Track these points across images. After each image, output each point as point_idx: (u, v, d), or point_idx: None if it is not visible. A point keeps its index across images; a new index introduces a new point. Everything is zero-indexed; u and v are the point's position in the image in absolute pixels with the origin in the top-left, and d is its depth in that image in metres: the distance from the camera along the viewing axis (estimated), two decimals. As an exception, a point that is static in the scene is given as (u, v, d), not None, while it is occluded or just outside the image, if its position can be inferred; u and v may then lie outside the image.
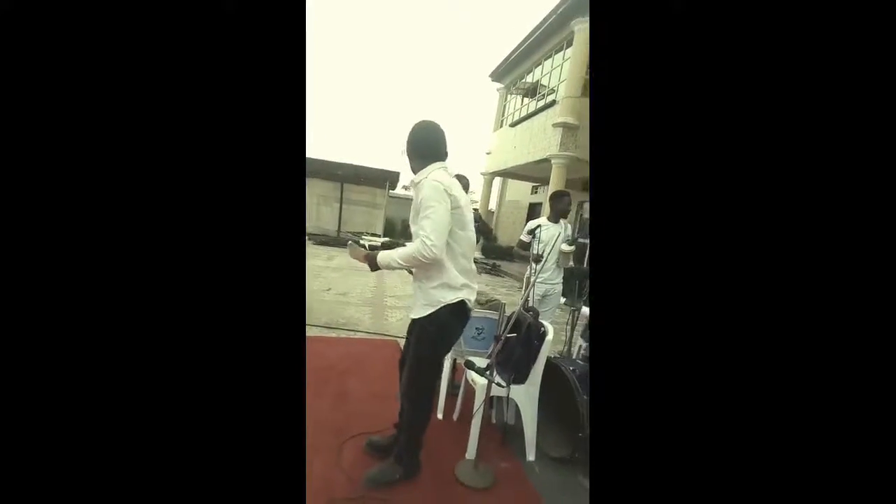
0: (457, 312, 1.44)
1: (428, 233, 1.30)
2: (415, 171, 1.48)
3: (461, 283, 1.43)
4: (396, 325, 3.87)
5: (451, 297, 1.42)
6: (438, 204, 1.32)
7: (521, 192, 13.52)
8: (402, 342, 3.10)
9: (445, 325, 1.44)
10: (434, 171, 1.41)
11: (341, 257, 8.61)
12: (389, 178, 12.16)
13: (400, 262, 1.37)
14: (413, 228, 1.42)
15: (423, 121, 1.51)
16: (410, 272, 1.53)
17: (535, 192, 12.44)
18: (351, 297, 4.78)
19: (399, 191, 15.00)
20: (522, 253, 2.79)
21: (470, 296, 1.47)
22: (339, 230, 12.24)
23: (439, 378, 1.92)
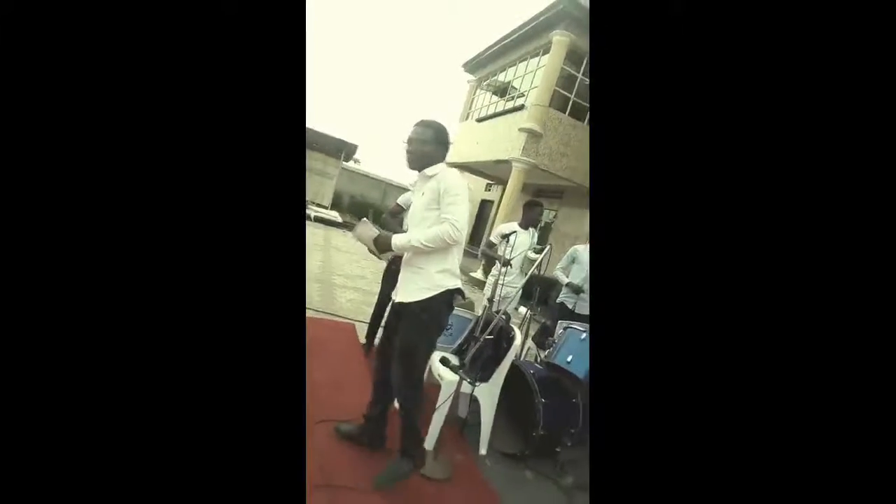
0: (450, 300, 1.50)
1: (457, 217, 1.38)
2: (423, 166, 1.53)
3: (457, 272, 1.51)
4: (346, 307, 3.78)
5: (452, 284, 1.48)
6: (463, 192, 1.43)
7: (474, 186, 13.72)
8: (359, 327, 3.07)
9: (439, 312, 1.49)
10: (443, 165, 1.53)
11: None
12: (346, 149, 11.65)
13: (424, 242, 1.40)
14: (425, 214, 1.47)
15: (436, 121, 1.58)
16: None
17: (489, 190, 12.71)
18: (298, 271, 4.56)
19: (351, 164, 14.43)
20: (489, 253, 2.87)
21: (460, 286, 1.53)
22: (282, 194, 11.48)
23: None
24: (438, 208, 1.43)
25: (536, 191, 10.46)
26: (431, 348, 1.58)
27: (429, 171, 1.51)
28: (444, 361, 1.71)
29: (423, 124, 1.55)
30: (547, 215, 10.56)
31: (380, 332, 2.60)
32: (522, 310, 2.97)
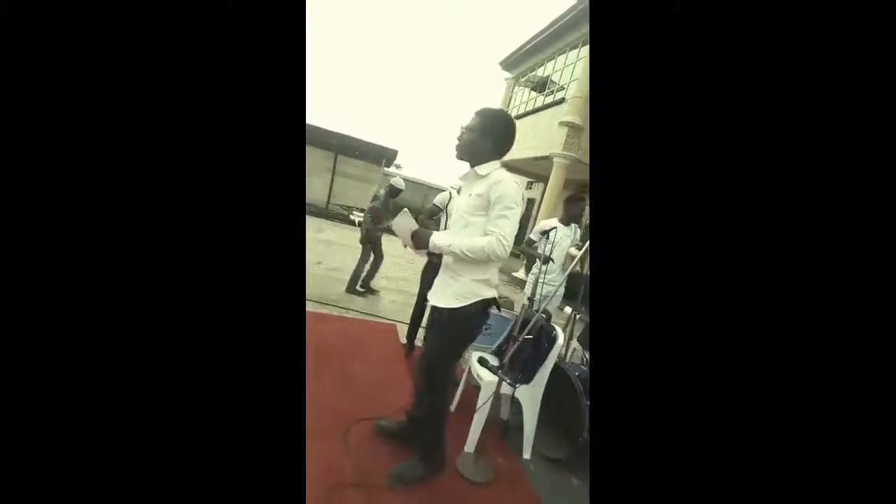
0: (484, 310, 1.43)
1: (506, 233, 1.27)
2: (472, 160, 1.41)
3: (496, 283, 1.43)
4: (390, 308, 3.85)
5: (488, 294, 1.41)
6: (517, 206, 1.30)
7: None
8: (400, 328, 3.11)
9: (472, 319, 1.42)
10: (501, 169, 1.38)
11: (331, 230, 8.46)
12: (386, 155, 11.94)
13: (466, 252, 1.30)
14: (471, 219, 1.35)
15: (498, 109, 1.43)
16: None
17: (531, 188, 12.46)
18: (343, 274, 4.72)
19: (392, 169, 14.76)
20: (530, 252, 2.79)
21: (497, 295, 1.46)
22: (328, 202, 11.99)
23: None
24: (486, 215, 1.31)
25: (580, 186, 10.11)
26: (457, 357, 1.51)
27: (481, 169, 1.37)
28: (482, 362, 1.67)
29: (477, 112, 1.40)
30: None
31: (421, 332, 2.61)
32: (567, 310, 2.86)
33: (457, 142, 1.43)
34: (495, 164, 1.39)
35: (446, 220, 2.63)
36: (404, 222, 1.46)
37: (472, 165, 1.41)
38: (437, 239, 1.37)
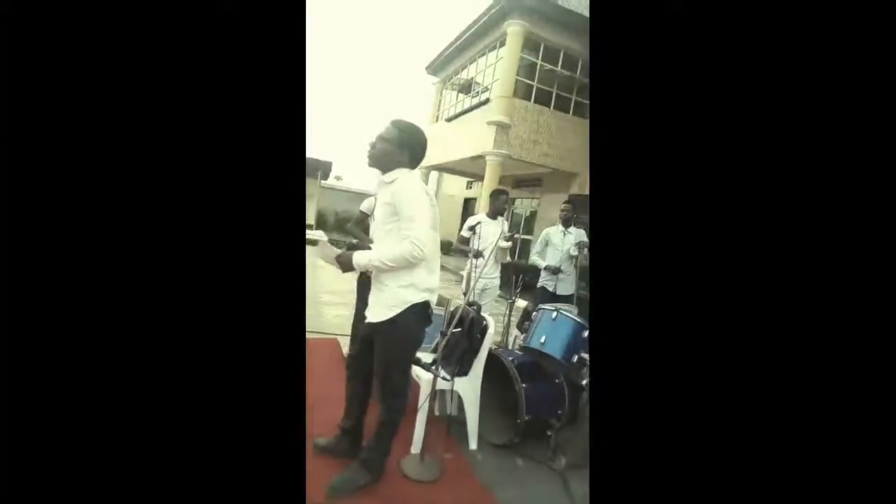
0: (421, 314, 1.43)
1: (418, 234, 1.30)
2: (381, 168, 1.43)
3: (426, 286, 1.43)
4: (334, 322, 3.75)
5: (417, 298, 1.40)
6: (424, 206, 1.33)
7: (456, 186, 13.73)
8: (342, 340, 3.06)
9: (410, 327, 1.43)
10: (407, 173, 1.41)
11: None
12: (322, 168, 11.65)
13: (387, 262, 1.33)
14: (387, 227, 1.39)
15: (412, 123, 1.47)
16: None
17: (470, 188, 12.72)
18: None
19: (331, 181, 14.40)
20: (462, 248, 2.86)
21: (433, 297, 1.47)
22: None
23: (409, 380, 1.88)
24: (398, 220, 1.34)
25: (515, 181, 10.49)
26: (408, 361, 1.53)
27: (386, 177, 1.41)
28: (415, 361, 1.68)
29: (393, 123, 1.44)
30: (531, 204, 10.59)
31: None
32: (522, 303, 2.94)
33: (369, 149, 1.44)
34: (402, 170, 1.42)
35: None
36: (325, 251, 1.49)
37: (383, 173, 1.44)
38: (359, 258, 1.40)
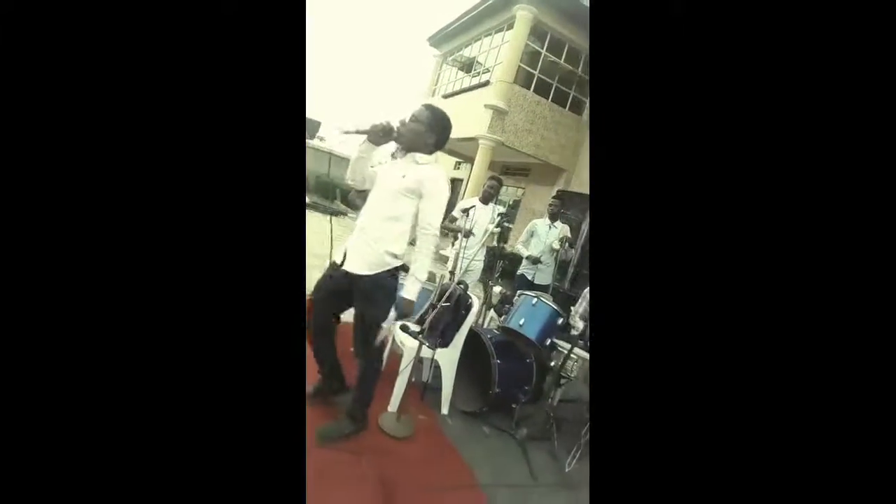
0: (395, 277, 1.57)
1: (436, 227, 1.51)
2: (413, 149, 1.53)
3: (401, 255, 1.56)
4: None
5: (394, 263, 1.54)
6: (445, 198, 1.52)
7: (443, 165, 13.68)
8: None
9: (388, 288, 1.56)
10: (437, 164, 1.56)
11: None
12: (309, 127, 11.27)
13: (427, 270, 1.54)
14: (397, 196, 1.49)
15: (442, 110, 1.57)
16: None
17: (458, 168, 12.70)
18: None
19: (316, 142, 13.93)
20: (451, 227, 2.96)
21: (402, 268, 1.59)
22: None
23: None
24: (414, 200, 1.48)
25: (503, 168, 10.56)
26: (387, 316, 1.68)
27: (420, 157, 1.51)
28: (404, 328, 1.80)
29: (426, 106, 1.56)
30: (515, 193, 10.73)
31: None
32: (498, 289, 3.10)
33: (398, 126, 1.51)
34: (433, 158, 1.56)
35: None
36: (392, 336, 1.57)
37: (407, 152, 1.53)
38: (414, 288, 1.53)
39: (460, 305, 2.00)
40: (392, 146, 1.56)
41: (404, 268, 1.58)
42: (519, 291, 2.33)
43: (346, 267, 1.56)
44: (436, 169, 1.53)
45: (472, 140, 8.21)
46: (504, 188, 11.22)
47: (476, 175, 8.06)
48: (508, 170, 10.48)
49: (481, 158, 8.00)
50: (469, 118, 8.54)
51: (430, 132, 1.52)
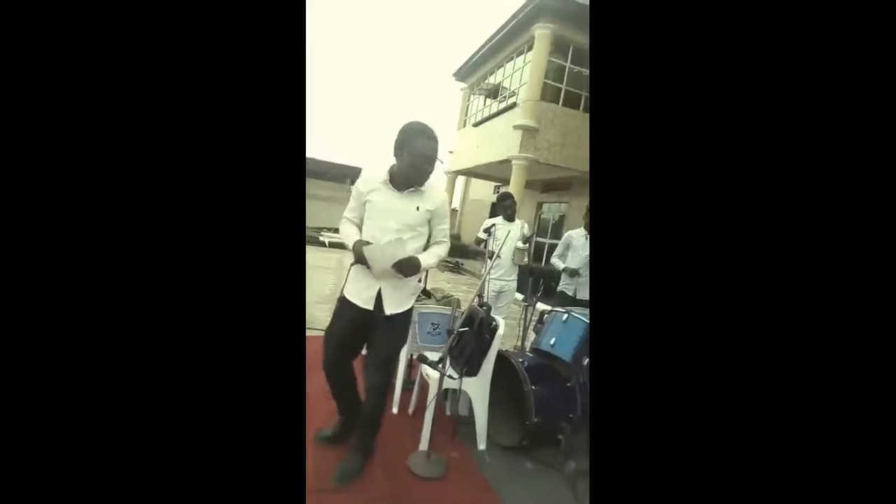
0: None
1: (448, 237, 1.66)
2: (426, 177, 1.52)
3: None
4: (325, 319, 3.83)
5: (419, 290, 1.68)
6: (448, 206, 1.68)
7: (483, 191, 13.73)
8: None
9: (408, 318, 1.64)
10: (436, 184, 1.63)
11: (309, 254, 8.37)
12: (351, 174, 11.99)
13: (437, 262, 1.65)
14: (417, 229, 1.55)
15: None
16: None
17: (497, 192, 12.68)
18: (310, 296, 4.69)
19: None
20: (478, 248, 2.88)
21: (424, 291, 1.65)
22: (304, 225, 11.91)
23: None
24: (427, 217, 1.54)
25: (544, 185, 10.36)
26: (405, 342, 1.75)
27: (430, 182, 1.56)
28: (421, 359, 1.71)
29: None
30: (559, 208, 10.42)
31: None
32: (541, 307, 2.92)
33: (427, 169, 1.49)
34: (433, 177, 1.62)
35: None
36: (386, 254, 1.44)
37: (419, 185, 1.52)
38: (426, 260, 1.55)
39: (483, 329, 1.87)
40: (384, 174, 1.55)
41: (426, 292, 1.60)
42: (551, 308, 2.15)
43: (387, 312, 1.53)
44: (441, 190, 1.65)
45: (507, 162, 8.18)
46: (547, 205, 10.99)
47: (514, 196, 7.95)
48: (550, 186, 10.26)
49: (516, 179, 7.92)
50: (500, 142, 8.57)
51: (401, 150, 1.45)
